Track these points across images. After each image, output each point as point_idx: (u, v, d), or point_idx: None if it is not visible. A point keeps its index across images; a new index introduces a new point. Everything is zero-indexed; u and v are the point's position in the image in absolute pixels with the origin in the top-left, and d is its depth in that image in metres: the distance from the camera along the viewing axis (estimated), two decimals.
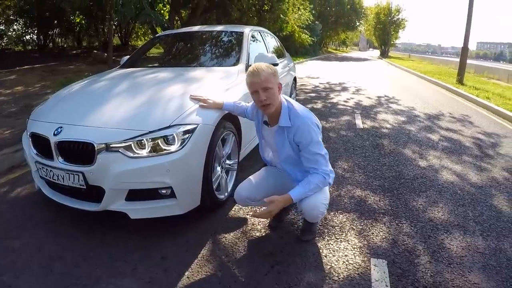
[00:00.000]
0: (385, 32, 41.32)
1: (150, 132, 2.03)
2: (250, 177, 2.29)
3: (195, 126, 2.15)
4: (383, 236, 2.29)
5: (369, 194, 2.92)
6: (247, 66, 3.30)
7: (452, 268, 2.00)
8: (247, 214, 2.53)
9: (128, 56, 3.86)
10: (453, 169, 3.55)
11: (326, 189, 2.10)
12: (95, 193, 2.07)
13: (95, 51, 12.95)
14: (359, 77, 13.20)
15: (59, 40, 19.38)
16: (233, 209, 2.61)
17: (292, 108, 1.98)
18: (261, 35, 4.43)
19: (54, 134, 2.10)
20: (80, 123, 2.14)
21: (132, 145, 2.01)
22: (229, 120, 2.59)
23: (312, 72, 15.20)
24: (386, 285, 1.83)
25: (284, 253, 2.08)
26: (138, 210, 2.10)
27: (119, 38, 18.65)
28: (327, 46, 45.76)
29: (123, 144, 2.00)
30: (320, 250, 2.12)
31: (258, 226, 2.38)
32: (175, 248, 2.10)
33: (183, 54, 3.71)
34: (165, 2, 14.13)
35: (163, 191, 2.11)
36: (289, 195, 1.95)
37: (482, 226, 2.47)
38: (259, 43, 4.21)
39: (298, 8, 18.39)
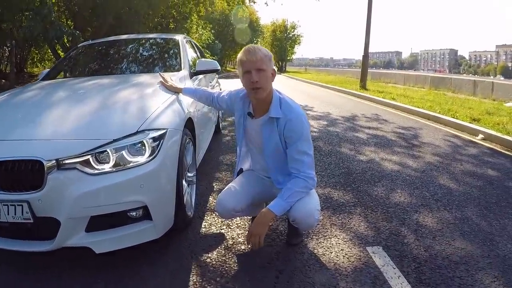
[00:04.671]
0: (281, 49, 43.99)
1: (115, 140, 1.65)
2: (230, 185, 2.05)
3: (164, 131, 1.84)
4: (366, 226, 2.30)
5: (331, 191, 2.93)
6: (190, 72, 3.11)
7: (438, 240, 2.11)
8: (221, 229, 2.28)
9: (47, 70, 3.27)
10: (392, 160, 3.84)
11: (315, 193, 1.95)
12: (45, 227, 1.59)
13: None
14: None
15: None
16: (202, 225, 2.33)
17: (284, 100, 1.85)
18: (191, 43, 4.26)
19: None
20: (17, 137, 1.65)
21: (91, 159, 1.62)
22: (187, 126, 2.33)
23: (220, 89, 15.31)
24: (393, 267, 1.82)
25: (281, 261, 1.90)
26: (104, 242, 1.68)
27: (13, 65, 15.81)
28: (226, 65, 46.80)
29: (80, 159, 1.59)
30: (315, 250, 2.01)
31: (240, 239, 2.15)
32: (159, 279, 1.73)
33: (118, 62, 3.28)
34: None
35: (133, 213, 1.75)
36: (269, 210, 1.78)
37: (442, 202, 2.68)
38: (192, 50, 4.03)
39: (202, 27, 18.51)
